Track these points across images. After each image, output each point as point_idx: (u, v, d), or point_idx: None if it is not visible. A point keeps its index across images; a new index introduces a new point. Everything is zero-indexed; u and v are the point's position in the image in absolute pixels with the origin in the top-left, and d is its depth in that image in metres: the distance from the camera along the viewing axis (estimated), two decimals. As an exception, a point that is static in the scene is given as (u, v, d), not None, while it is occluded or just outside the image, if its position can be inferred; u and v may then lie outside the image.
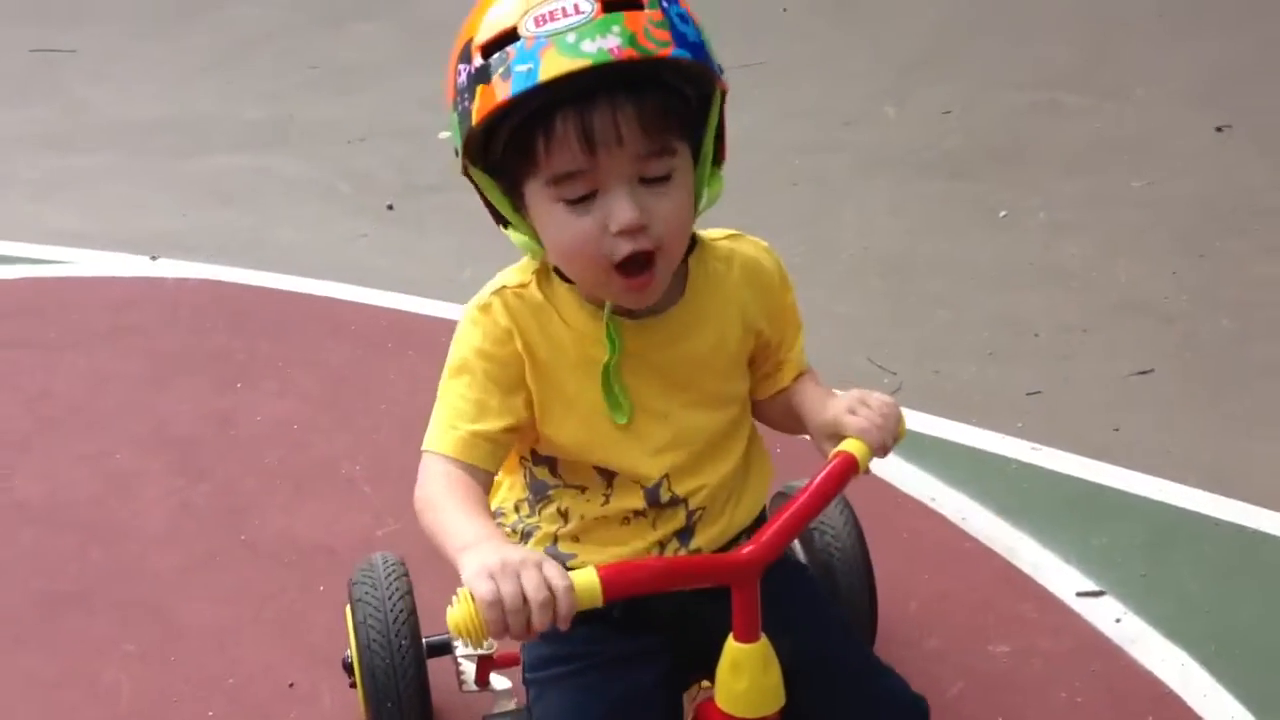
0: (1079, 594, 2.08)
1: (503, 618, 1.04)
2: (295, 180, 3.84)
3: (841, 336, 2.80)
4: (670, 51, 1.15)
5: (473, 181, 1.25)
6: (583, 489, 1.35)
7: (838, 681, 1.35)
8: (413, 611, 1.73)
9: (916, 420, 2.53)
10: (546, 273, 1.30)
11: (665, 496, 1.33)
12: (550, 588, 1.04)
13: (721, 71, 1.21)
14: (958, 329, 2.87)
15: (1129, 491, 2.32)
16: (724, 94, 1.23)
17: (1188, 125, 3.73)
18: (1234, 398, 2.56)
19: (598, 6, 1.14)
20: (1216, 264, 3.04)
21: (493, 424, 1.26)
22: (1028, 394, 2.62)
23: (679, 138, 1.21)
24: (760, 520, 1.40)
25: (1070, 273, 3.06)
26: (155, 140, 4.14)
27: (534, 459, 1.37)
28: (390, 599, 1.73)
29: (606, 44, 1.13)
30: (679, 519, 1.34)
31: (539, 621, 1.04)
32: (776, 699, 1.23)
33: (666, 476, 1.32)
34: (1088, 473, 2.38)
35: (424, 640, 1.74)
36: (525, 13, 1.15)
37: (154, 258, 3.38)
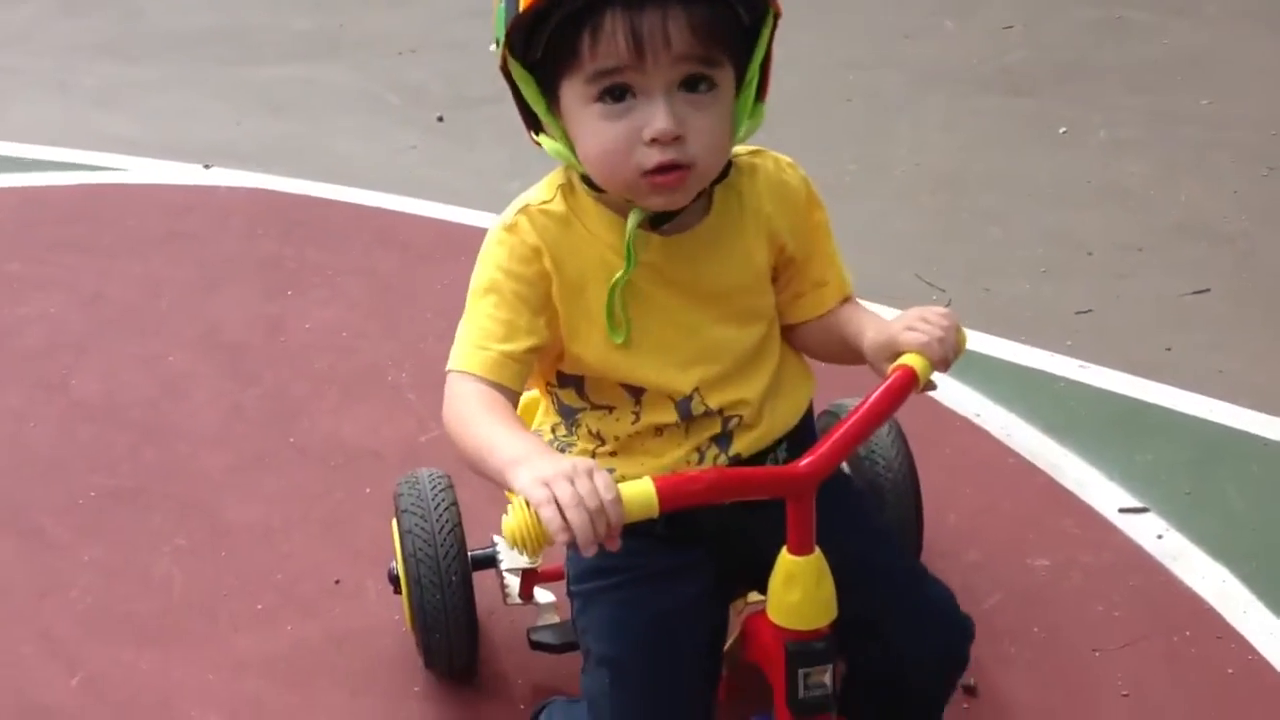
0: (1121, 510, 2.07)
1: (561, 521, 1.03)
2: (345, 91, 3.84)
3: (892, 253, 2.77)
4: None
5: (508, 80, 1.24)
6: (610, 408, 1.35)
7: (885, 590, 1.36)
8: (458, 525, 1.74)
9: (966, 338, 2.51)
10: (571, 187, 1.29)
11: (698, 409, 1.33)
12: (600, 496, 1.04)
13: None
14: (1010, 246, 2.82)
15: (1177, 410, 2.29)
16: (777, 18, 1.21)
17: (1256, 43, 3.62)
18: (1290, 319, 2.52)
19: None
20: (1278, 185, 2.96)
21: (521, 343, 1.26)
22: (1078, 312, 2.58)
23: (724, 53, 1.19)
24: (802, 426, 1.40)
25: (1129, 191, 3.00)
26: (208, 49, 4.15)
27: (559, 381, 1.37)
28: (436, 513, 1.74)
29: None
30: (714, 427, 1.34)
31: (597, 527, 1.04)
32: (829, 611, 1.23)
33: (697, 390, 1.32)
34: (1136, 391, 2.35)
35: (469, 554, 1.75)
36: None
37: (207, 166, 3.41)
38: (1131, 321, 2.55)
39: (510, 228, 1.28)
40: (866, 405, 1.19)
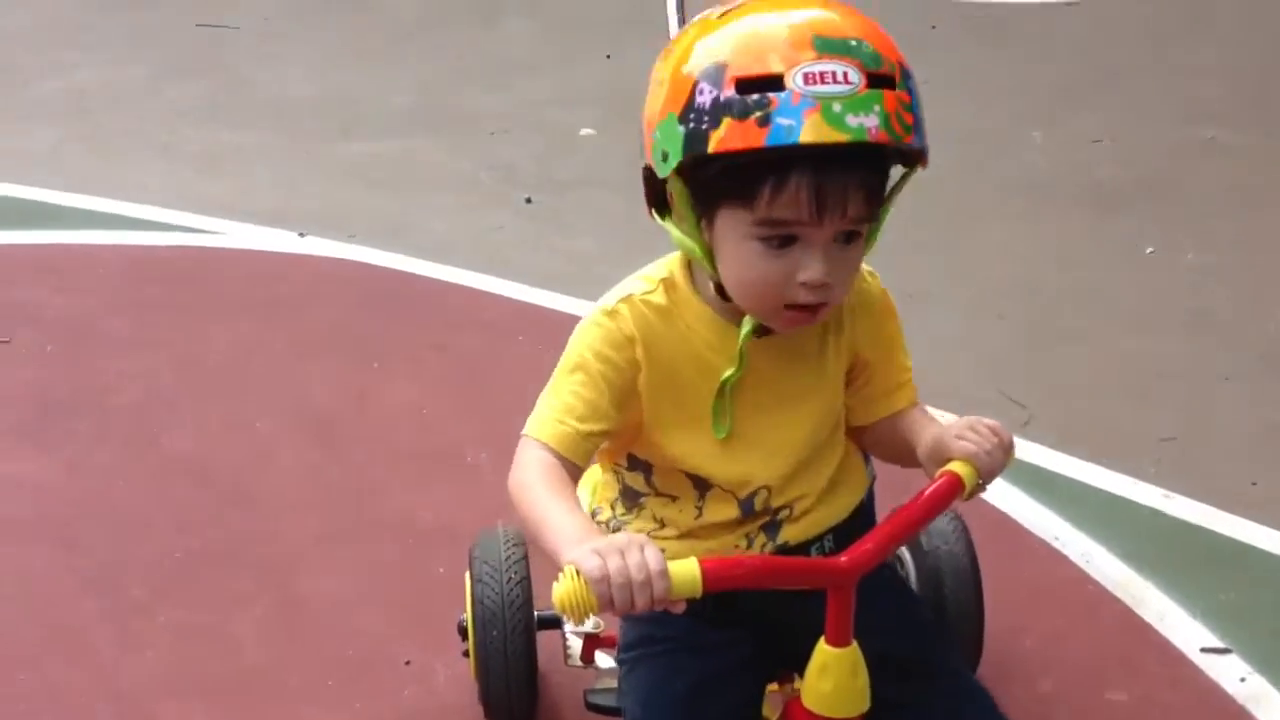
0: (1203, 649, 2.03)
1: (609, 592, 1.09)
2: (438, 169, 3.93)
3: (973, 367, 2.76)
4: (911, 140, 1.19)
5: (650, 183, 1.26)
6: (674, 498, 1.40)
7: (921, 680, 1.38)
8: (527, 581, 1.81)
9: (1045, 456, 2.50)
10: (674, 283, 1.34)
11: (760, 506, 1.38)
12: (648, 569, 1.10)
13: (927, 150, 1.24)
14: (1094, 366, 2.81)
15: (1262, 549, 2.25)
16: (922, 168, 1.26)
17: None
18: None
19: (864, 80, 1.16)
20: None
21: (599, 425, 1.31)
22: (1162, 440, 2.55)
23: (885, 191, 1.25)
24: (857, 517, 1.44)
25: (1216, 317, 2.98)
26: (308, 120, 4.27)
27: (629, 464, 1.42)
28: (507, 569, 1.82)
29: (867, 122, 1.16)
30: (764, 518, 1.39)
31: (640, 599, 1.10)
32: (862, 702, 1.27)
33: (767, 489, 1.37)
34: (1220, 525, 2.31)
35: (535, 613, 1.81)
36: (795, 66, 1.16)
37: (302, 234, 3.50)
38: (1217, 452, 2.52)
39: (610, 314, 1.33)
40: (911, 507, 1.24)
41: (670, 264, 1.36)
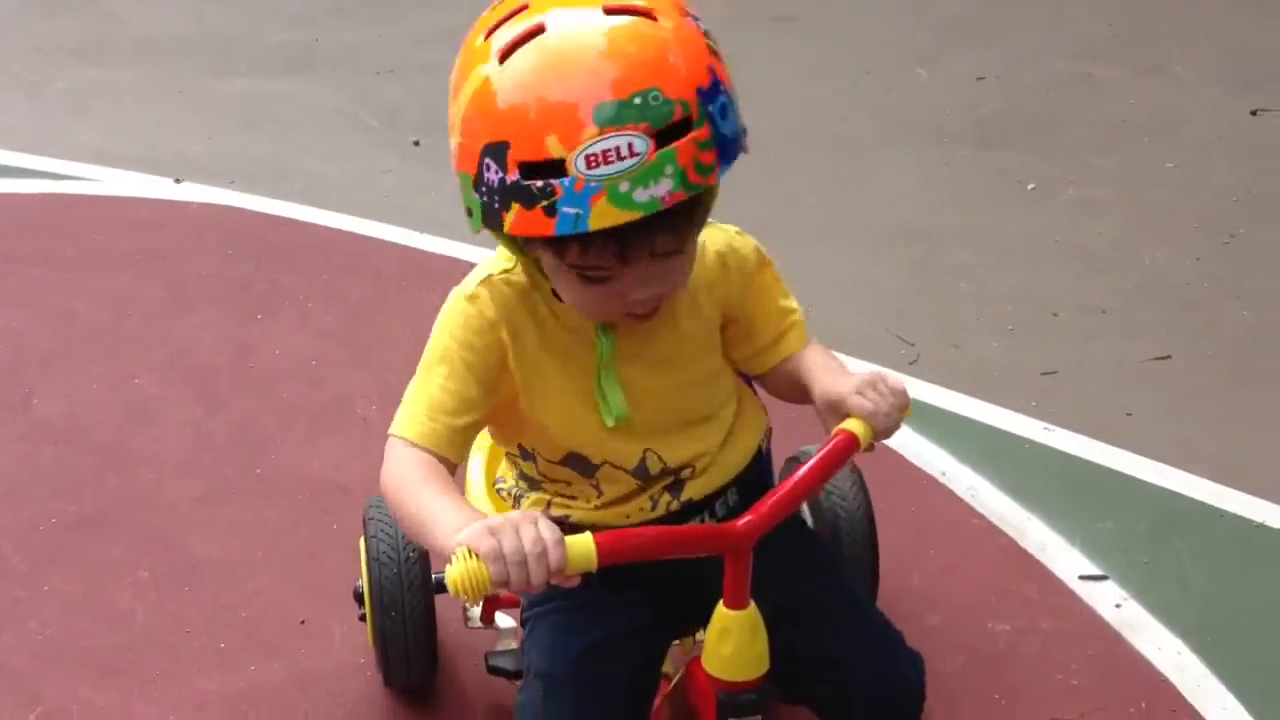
0: (1082, 577, 2.11)
1: (505, 570, 1.08)
2: (320, 109, 3.82)
3: (864, 305, 2.80)
4: (715, 176, 1.16)
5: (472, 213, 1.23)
6: (568, 483, 1.40)
7: (836, 628, 1.41)
8: (425, 553, 1.77)
9: (933, 394, 2.55)
10: (535, 262, 1.31)
11: (655, 469, 1.38)
12: (544, 542, 1.09)
13: (745, 135, 1.21)
14: (979, 303, 2.86)
15: (1137, 478, 2.33)
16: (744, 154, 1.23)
17: (1224, 106, 3.69)
18: (1248, 390, 2.57)
19: (651, 146, 1.11)
20: (1242, 252, 3.03)
21: (471, 416, 1.29)
22: (1043, 373, 2.63)
23: (699, 217, 1.23)
24: (752, 468, 1.45)
25: (1095, 252, 3.05)
26: (182, 58, 4.11)
27: (521, 454, 1.41)
28: (402, 534, 1.78)
29: (658, 191, 1.12)
30: (667, 479, 1.40)
31: (536, 574, 1.09)
32: (760, 664, 1.28)
33: (650, 451, 1.37)
34: (1098, 456, 2.39)
35: (433, 576, 1.79)
36: (575, 148, 1.11)
37: (178, 180, 3.38)
38: (1094, 385, 2.60)
39: (471, 298, 1.31)
40: (807, 468, 1.25)
41: None
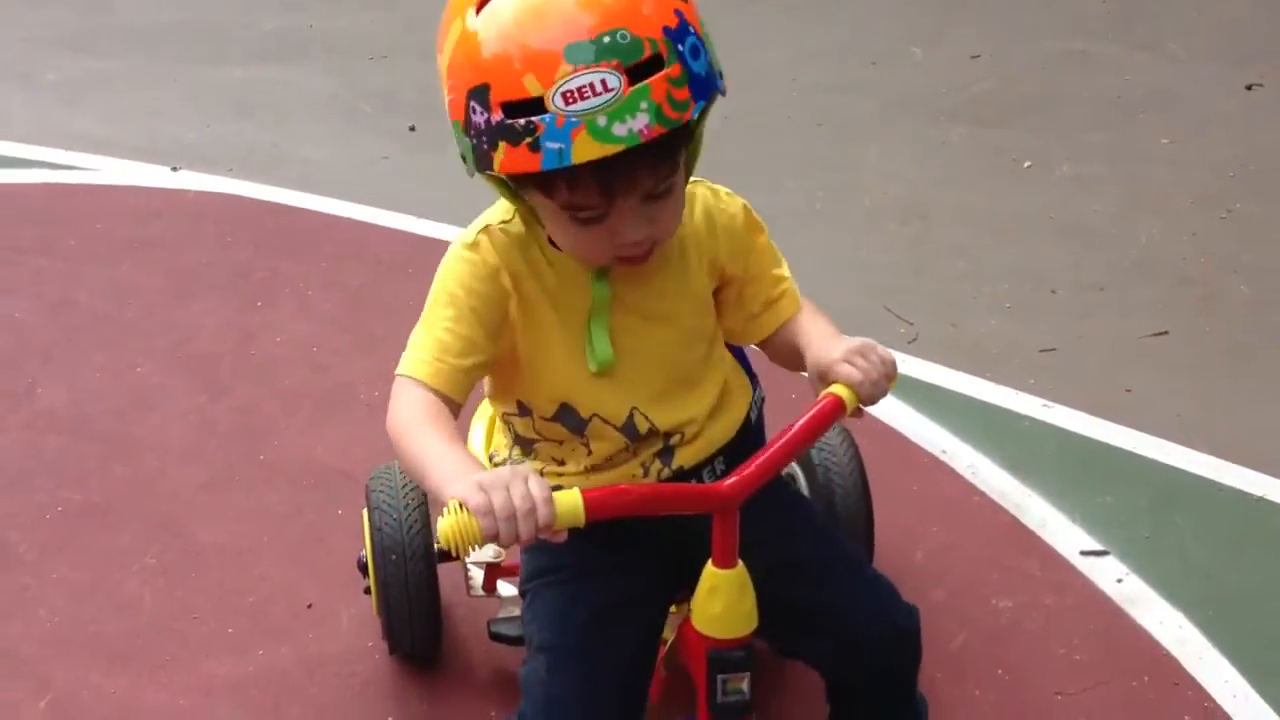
0: (1083, 552, 2.12)
1: (494, 525, 1.11)
2: (316, 96, 3.81)
3: (860, 284, 2.81)
4: (691, 111, 1.20)
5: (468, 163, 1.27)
6: (560, 442, 1.43)
7: (830, 582, 1.45)
8: (424, 508, 1.81)
9: (932, 372, 2.57)
10: (530, 209, 1.35)
11: (644, 428, 1.41)
12: (533, 498, 1.12)
13: (721, 79, 1.25)
14: (976, 281, 2.87)
15: (1137, 453, 2.35)
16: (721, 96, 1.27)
17: (1219, 82, 3.70)
18: (1245, 365, 2.58)
19: (624, 81, 1.17)
20: (1238, 227, 3.04)
21: (477, 358, 1.33)
22: (1041, 350, 2.64)
23: (680, 155, 1.26)
24: (740, 438, 1.47)
25: (1091, 229, 3.06)
26: (175, 46, 4.10)
27: (519, 410, 1.43)
28: (405, 504, 1.81)
29: (636, 124, 1.17)
30: (657, 444, 1.42)
31: (525, 529, 1.12)
32: (749, 622, 1.32)
33: (637, 409, 1.39)
34: (1097, 432, 2.40)
35: (435, 545, 1.80)
36: (551, 86, 1.16)
37: (175, 169, 3.37)
38: (1093, 361, 2.61)
39: (472, 246, 1.35)
40: (793, 429, 1.28)
41: None
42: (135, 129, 3.59)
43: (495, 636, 1.76)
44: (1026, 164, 3.36)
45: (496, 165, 1.20)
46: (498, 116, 1.19)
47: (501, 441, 1.51)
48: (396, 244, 3.03)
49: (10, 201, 3.22)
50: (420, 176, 3.35)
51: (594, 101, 1.16)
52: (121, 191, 3.27)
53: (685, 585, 1.44)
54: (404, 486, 1.83)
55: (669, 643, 1.52)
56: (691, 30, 1.22)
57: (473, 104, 1.20)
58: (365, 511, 1.85)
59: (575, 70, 1.16)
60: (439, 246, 2.99)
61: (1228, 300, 2.79)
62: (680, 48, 1.20)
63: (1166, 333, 2.69)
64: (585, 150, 1.16)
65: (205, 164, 3.39)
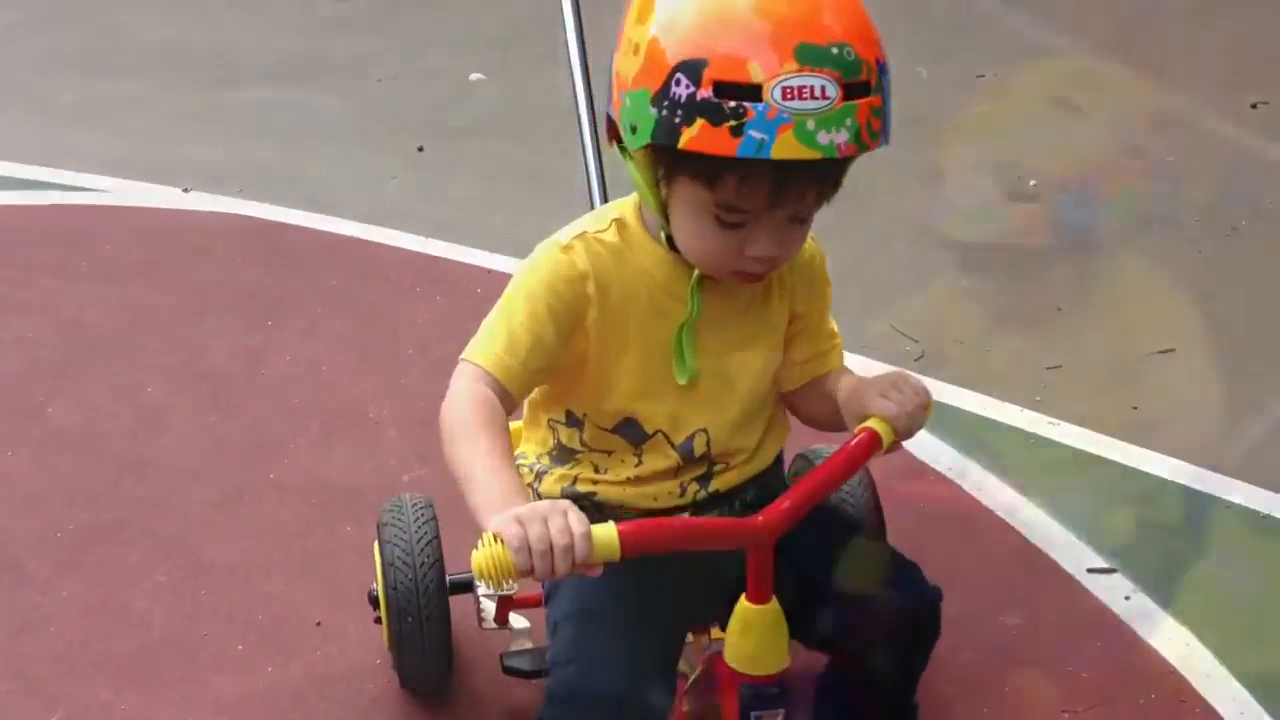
0: (1090, 570, 2.12)
1: (529, 560, 1.10)
2: (324, 118, 3.84)
3: (866, 303, 2.82)
4: (879, 143, 1.22)
5: (613, 120, 1.27)
6: (609, 453, 1.41)
7: (847, 552, 1.43)
8: (439, 550, 1.80)
9: (939, 390, 2.57)
10: (625, 224, 1.36)
11: (699, 452, 1.40)
12: (571, 533, 1.11)
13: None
14: (981, 299, 2.88)
15: (1144, 470, 2.35)
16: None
17: (1222, 100, 3.71)
18: (1253, 381, 2.59)
19: (840, 94, 1.18)
20: (1244, 244, 3.05)
21: (543, 362, 1.33)
22: (1048, 368, 2.64)
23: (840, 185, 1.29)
24: (773, 469, 1.48)
25: (1096, 245, 3.07)
26: (185, 68, 4.13)
27: (567, 420, 1.42)
28: (417, 538, 1.79)
29: (838, 138, 1.18)
30: (702, 469, 1.42)
31: (561, 565, 1.11)
32: (780, 659, 1.30)
33: (704, 432, 1.39)
34: (1104, 450, 2.41)
35: (448, 578, 1.80)
36: (775, 78, 1.16)
37: (186, 190, 3.40)
38: (1100, 379, 2.62)
39: (565, 248, 1.35)
40: (829, 464, 1.28)
41: (621, 206, 1.38)
42: (146, 150, 3.62)
43: (509, 670, 1.74)
44: (1032, 183, 3.37)
45: (684, 140, 1.18)
46: (705, 93, 1.17)
47: (530, 445, 1.49)
48: (405, 263, 3.04)
49: (22, 223, 3.25)
50: (428, 197, 3.37)
51: (810, 104, 1.16)
52: (132, 212, 3.30)
53: (714, 613, 1.42)
54: (415, 520, 1.81)
55: (691, 677, 1.50)
56: (889, 74, 1.24)
57: (678, 75, 1.18)
58: (376, 545, 1.84)
59: (801, 70, 1.16)
60: (446, 265, 3.07)
61: (1232, 317, 2.79)
62: (884, 81, 1.23)
63: (1172, 350, 2.69)
64: (787, 149, 1.16)
65: (216, 185, 3.41)
